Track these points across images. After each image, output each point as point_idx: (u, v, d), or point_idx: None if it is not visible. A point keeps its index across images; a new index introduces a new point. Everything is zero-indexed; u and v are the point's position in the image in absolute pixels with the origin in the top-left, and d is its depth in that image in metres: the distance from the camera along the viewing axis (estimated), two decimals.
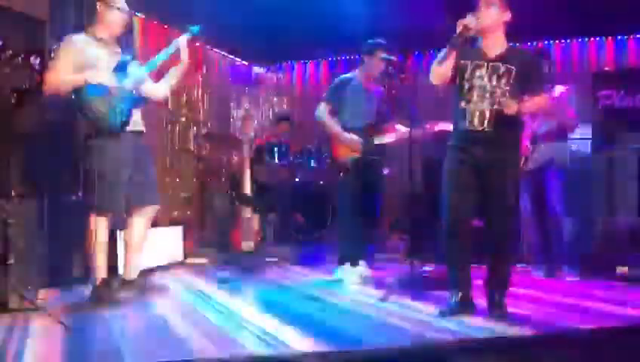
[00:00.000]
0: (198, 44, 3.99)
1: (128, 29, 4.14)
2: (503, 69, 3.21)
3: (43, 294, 3.71)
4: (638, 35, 6.28)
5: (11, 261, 3.30)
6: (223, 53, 7.28)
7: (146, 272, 4.52)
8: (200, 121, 6.84)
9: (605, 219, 5.13)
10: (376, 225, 4.74)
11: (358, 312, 3.46)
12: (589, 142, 5.22)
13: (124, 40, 4.01)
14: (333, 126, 4.43)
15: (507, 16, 3.24)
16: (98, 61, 3.52)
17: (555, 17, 5.49)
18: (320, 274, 4.85)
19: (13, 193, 3.44)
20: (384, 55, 4.32)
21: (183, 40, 3.82)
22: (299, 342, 2.71)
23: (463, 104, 3.28)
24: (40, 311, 3.24)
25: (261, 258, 5.31)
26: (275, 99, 7.93)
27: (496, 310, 3.24)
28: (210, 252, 5.76)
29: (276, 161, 6.02)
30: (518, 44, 3.44)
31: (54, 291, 3.86)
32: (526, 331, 2.96)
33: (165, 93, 3.98)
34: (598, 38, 6.43)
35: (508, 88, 3.20)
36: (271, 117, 7.75)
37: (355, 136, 4.38)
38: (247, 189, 5.40)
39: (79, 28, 4.00)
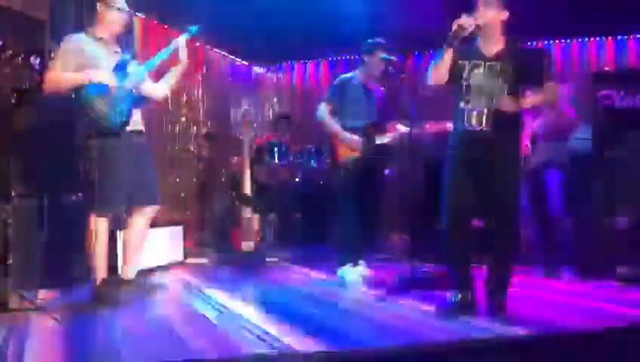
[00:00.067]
0: (197, 44, 3.99)
1: (128, 29, 4.14)
2: (499, 67, 3.21)
3: (43, 294, 3.70)
4: (638, 35, 6.29)
5: (11, 261, 3.30)
6: (223, 53, 7.28)
7: (146, 272, 4.52)
8: (200, 121, 6.84)
9: (605, 219, 5.13)
10: (377, 225, 4.74)
11: (358, 312, 3.46)
12: (589, 142, 5.21)
13: (124, 40, 4.01)
14: (334, 126, 4.43)
15: (504, 15, 3.24)
16: (98, 61, 3.52)
17: (555, 17, 5.49)
18: (320, 274, 4.85)
19: (13, 193, 3.45)
20: (384, 55, 4.32)
21: (182, 40, 3.82)
22: (299, 342, 2.71)
23: (461, 104, 3.28)
24: (40, 311, 3.24)
25: (261, 258, 5.31)
26: (275, 99, 7.93)
27: (496, 310, 3.24)
28: (210, 252, 5.76)
29: (276, 161, 6.02)
30: (518, 43, 3.43)
31: (54, 291, 3.86)
32: (526, 331, 2.96)
33: (165, 93, 3.98)
34: (598, 38, 6.44)
35: (506, 87, 3.19)
36: (271, 117, 7.75)
37: (355, 136, 4.38)
38: (247, 189, 5.40)
39: (79, 28, 4.00)
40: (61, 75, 3.44)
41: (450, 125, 3.53)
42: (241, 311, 3.40)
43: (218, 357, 2.52)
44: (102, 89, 3.44)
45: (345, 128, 4.40)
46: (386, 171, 4.95)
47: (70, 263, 4.07)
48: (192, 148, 6.68)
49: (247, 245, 5.24)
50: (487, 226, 3.34)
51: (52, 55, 3.69)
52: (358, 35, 4.58)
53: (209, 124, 6.98)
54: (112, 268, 3.91)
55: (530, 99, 3.23)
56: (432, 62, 3.32)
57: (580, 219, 5.03)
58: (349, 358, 2.58)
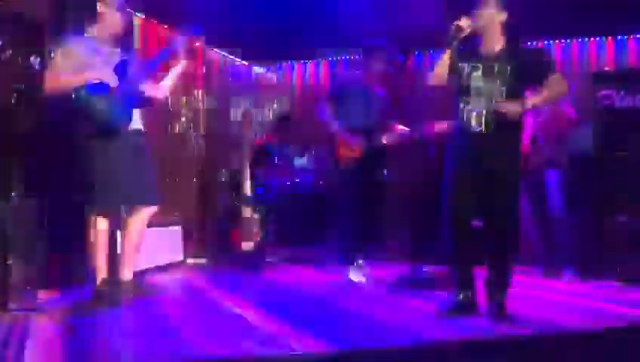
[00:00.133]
0: (197, 44, 3.99)
1: (128, 29, 4.13)
2: (498, 69, 3.21)
3: (43, 294, 3.71)
4: (638, 35, 6.28)
5: (11, 261, 3.30)
6: (223, 53, 7.27)
7: (146, 272, 4.52)
8: (200, 121, 6.83)
9: (605, 219, 5.13)
10: (377, 225, 4.74)
11: (358, 312, 3.46)
12: (589, 142, 5.22)
13: (124, 40, 4.01)
14: (335, 127, 4.42)
15: (503, 16, 3.24)
16: (98, 61, 3.52)
17: (555, 17, 5.49)
18: (320, 274, 4.85)
19: (13, 193, 3.44)
20: (384, 55, 4.32)
21: (182, 40, 3.82)
22: (299, 341, 2.71)
23: (461, 105, 3.28)
24: (40, 311, 3.24)
25: (261, 258, 5.31)
26: (275, 99, 7.92)
27: (496, 310, 3.24)
28: (210, 252, 5.76)
29: (276, 161, 6.03)
30: (518, 43, 3.42)
31: (54, 291, 3.86)
32: (526, 331, 2.96)
33: (165, 93, 3.98)
34: (598, 38, 6.43)
35: (504, 89, 3.19)
36: (271, 117, 7.75)
37: (356, 138, 4.37)
38: (247, 189, 5.40)
39: (79, 28, 4.00)
40: (62, 75, 3.44)
41: (450, 125, 3.53)
42: (241, 311, 3.41)
43: (218, 357, 2.52)
44: (102, 89, 3.44)
45: (346, 128, 4.40)
46: (386, 171, 4.94)
47: (70, 263, 4.07)
48: (192, 148, 6.67)
49: (247, 245, 5.24)
50: (487, 226, 3.34)
51: (52, 55, 3.69)
52: (359, 35, 4.58)
53: (209, 124, 6.97)
54: (112, 268, 3.91)
55: (532, 99, 3.21)
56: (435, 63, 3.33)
57: (580, 219, 5.03)
58: (349, 358, 2.58)
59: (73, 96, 3.48)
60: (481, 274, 3.36)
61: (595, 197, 5.18)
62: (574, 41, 6.51)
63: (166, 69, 3.92)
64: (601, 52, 6.41)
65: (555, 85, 3.22)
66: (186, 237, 5.59)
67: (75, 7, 4.51)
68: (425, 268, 4.38)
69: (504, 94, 3.19)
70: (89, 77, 3.43)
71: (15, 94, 3.48)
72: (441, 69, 3.27)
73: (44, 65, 3.80)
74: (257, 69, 7.96)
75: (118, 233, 4.03)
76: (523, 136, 3.57)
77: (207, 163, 6.81)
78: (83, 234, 3.64)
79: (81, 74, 3.44)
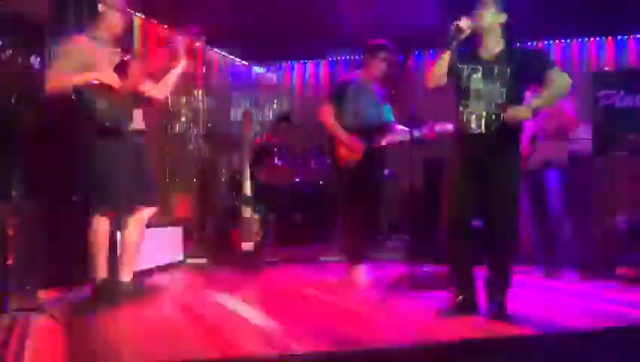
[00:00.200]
0: (198, 44, 3.99)
1: (128, 29, 4.14)
2: (497, 70, 3.20)
3: (43, 294, 3.71)
4: (638, 35, 6.29)
5: (11, 261, 3.30)
6: (223, 53, 7.28)
7: (146, 272, 4.52)
8: (200, 121, 6.84)
9: (605, 219, 5.13)
10: (377, 225, 4.74)
11: (359, 312, 3.46)
12: (589, 142, 5.22)
13: (124, 40, 4.01)
14: (336, 128, 4.41)
15: (503, 17, 3.23)
16: (99, 61, 3.52)
17: (555, 17, 5.49)
18: (320, 274, 4.85)
19: (13, 193, 3.44)
20: (385, 55, 4.32)
21: (182, 40, 3.82)
22: (299, 342, 2.71)
23: (461, 107, 3.28)
24: (40, 311, 3.24)
25: (261, 258, 5.31)
26: (275, 99, 7.93)
27: (496, 310, 3.24)
28: (210, 252, 5.76)
29: (276, 161, 6.03)
30: (518, 44, 3.42)
31: (54, 291, 3.87)
32: (526, 331, 2.96)
33: (165, 93, 3.98)
34: (598, 38, 6.43)
35: (504, 90, 3.19)
36: (271, 117, 7.75)
37: (356, 139, 4.36)
38: (247, 189, 5.40)
39: (79, 28, 4.00)
40: (63, 75, 3.45)
41: (450, 126, 3.53)
42: (241, 311, 3.41)
43: (218, 357, 2.52)
44: (102, 89, 3.44)
45: (346, 129, 4.39)
46: (387, 172, 4.94)
47: (70, 263, 4.07)
48: (192, 148, 6.67)
49: (247, 245, 5.24)
50: (487, 226, 3.34)
51: (52, 55, 3.69)
52: (359, 35, 4.58)
53: (209, 124, 6.98)
54: (112, 268, 3.91)
55: (537, 100, 3.18)
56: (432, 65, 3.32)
57: (580, 219, 5.03)
58: (349, 358, 2.57)
59: (74, 96, 3.48)
60: (481, 274, 3.36)
61: (595, 197, 5.19)
62: (574, 41, 6.51)
63: (166, 69, 3.92)
64: (601, 52, 6.42)
65: (557, 79, 3.17)
66: (186, 237, 5.59)
67: (75, 7, 4.51)
68: (425, 268, 4.38)
69: (504, 96, 3.18)
70: (90, 77, 3.43)
71: (15, 94, 3.47)
72: (439, 69, 3.26)
73: (44, 65, 3.80)
74: (257, 69, 7.97)
75: (118, 233, 4.04)
76: (523, 136, 3.57)
77: (207, 163, 6.82)
78: (83, 234, 3.63)
79: (81, 74, 3.44)
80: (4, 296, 3.28)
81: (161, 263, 5.03)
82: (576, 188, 4.90)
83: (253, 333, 2.88)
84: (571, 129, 4.77)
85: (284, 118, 6.74)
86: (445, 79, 3.28)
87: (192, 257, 5.60)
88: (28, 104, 3.62)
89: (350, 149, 4.36)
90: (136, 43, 5.56)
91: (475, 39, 3.26)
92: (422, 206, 5.32)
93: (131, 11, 3.93)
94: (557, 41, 6.56)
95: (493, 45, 3.25)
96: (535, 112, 3.22)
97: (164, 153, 6.21)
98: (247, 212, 5.32)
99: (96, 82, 3.43)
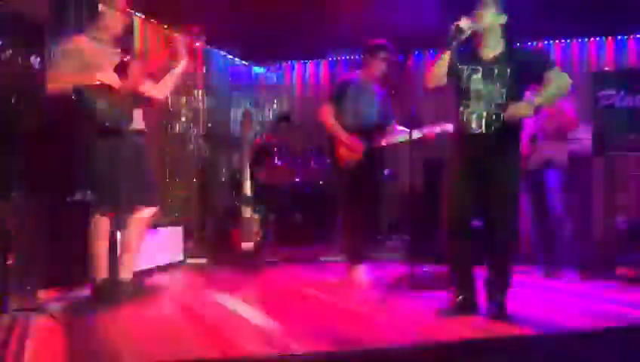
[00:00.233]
0: (197, 44, 3.99)
1: (128, 29, 4.14)
2: (497, 70, 3.20)
3: (43, 294, 3.71)
4: (638, 35, 6.28)
5: (11, 261, 3.30)
6: (222, 53, 7.28)
7: (146, 272, 4.52)
8: (200, 121, 6.84)
9: (605, 219, 5.13)
10: (377, 225, 4.74)
11: (358, 312, 3.46)
12: (589, 142, 5.22)
13: (124, 40, 4.01)
14: (336, 128, 4.41)
15: (503, 18, 3.23)
16: (99, 61, 3.52)
17: (555, 17, 5.49)
18: (320, 274, 4.85)
19: (13, 193, 3.44)
20: (385, 55, 4.32)
21: (182, 40, 3.82)
22: (299, 341, 2.71)
23: (461, 108, 3.28)
24: (40, 311, 3.24)
25: (261, 258, 5.31)
26: (275, 99, 7.93)
27: (496, 310, 3.24)
28: (210, 252, 5.76)
29: (276, 161, 6.03)
30: (518, 44, 3.41)
31: (54, 291, 3.86)
32: (526, 331, 2.96)
33: (165, 93, 3.98)
34: (598, 38, 6.43)
35: (504, 91, 3.19)
36: (271, 117, 7.75)
37: (357, 139, 4.36)
38: (247, 189, 5.40)
39: (79, 28, 4.00)
40: (64, 74, 3.45)
41: (450, 127, 3.53)
42: (242, 311, 3.41)
43: (218, 357, 2.52)
44: (102, 89, 3.44)
45: (346, 129, 4.39)
46: (387, 172, 4.94)
47: (70, 263, 4.07)
48: (192, 148, 6.67)
49: (247, 245, 5.24)
50: (487, 226, 3.34)
51: (52, 55, 3.69)
52: (359, 35, 4.58)
53: (209, 124, 6.98)
54: (112, 268, 3.91)
55: (537, 98, 3.18)
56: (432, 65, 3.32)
57: (580, 219, 5.03)
58: (349, 358, 2.58)
59: (74, 96, 3.48)
60: (481, 274, 3.36)
61: (595, 197, 5.19)
62: (574, 41, 6.51)
63: (166, 69, 3.92)
64: (601, 52, 6.42)
65: (557, 80, 3.18)
66: (186, 237, 5.59)
67: (75, 7, 4.51)
68: (425, 268, 4.38)
69: (504, 96, 3.18)
70: (91, 77, 3.43)
71: (15, 94, 3.48)
72: (439, 69, 3.26)
73: (44, 65, 3.80)
74: (257, 69, 7.97)
75: (118, 233, 4.04)
76: (523, 136, 3.57)
77: (207, 163, 6.82)
78: (83, 234, 3.63)
79: (81, 74, 3.44)
80: (4, 296, 3.28)
81: (161, 263, 5.03)
82: (576, 188, 4.90)
83: (253, 333, 2.88)
84: (571, 129, 4.77)
85: (284, 118, 6.74)
86: (445, 79, 3.28)
87: (192, 257, 5.60)
88: (28, 104, 3.62)
89: (350, 149, 4.35)
90: (137, 43, 5.56)
91: (474, 39, 3.26)
92: (422, 206, 5.32)
93: (131, 11, 3.92)
94: (557, 41, 6.55)
95: (494, 45, 3.25)
96: (536, 110, 3.21)
97: (164, 153, 6.21)
98: (247, 212, 5.32)
99: (97, 82, 3.43)
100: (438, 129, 4.22)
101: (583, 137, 5.12)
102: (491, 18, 3.20)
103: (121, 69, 3.55)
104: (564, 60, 6.44)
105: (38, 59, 3.73)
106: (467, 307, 3.28)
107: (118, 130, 3.49)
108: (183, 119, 6.56)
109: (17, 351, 2.58)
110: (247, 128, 5.59)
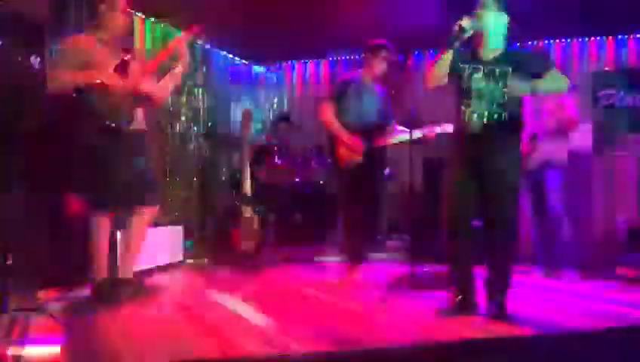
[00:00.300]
0: (197, 44, 3.99)
1: (128, 29, 4.14)
2: (498, 71, 3.21)
3: (43, 294, 3.71)
4: (638, 35, 6.28)
5: (11, 261, 3.30)
6: (223, 53, 7.28)
7: (146, 272, 4.52)
8: (200, 120, 6.84)
9: (605, 219, 5.13)
10: (377, 225, 4.74)
11: (359, 312, 3.46)
12: (589, 142, 5.22)
13: (124, 40, 4.01)
14: (336, 127, 4.41)
15: (503, 18, 3.24)
16: (99, 61, 3.52)
17: (555, 17, 5.49)
18: (320, 274, 4.85)
19: (13, 193, 3.44)
20: (386, 54, 4.32)
21: (182, 39, 3.82)
22: (299, 342, 2.71)
23: (462, 107, 3.28)
24: (40, 311, 3.24)
25: (261, 258, 5.31)
26: (275, 99, 7.92)
27: (496, 310, 3.24)
28: (210, 252, 5.76)
29: (276, 160, 6.03)
30: (519, 45, 3.42)
31: (54, 291, 3.86)
32: (526, 331, 2.96)
33: (165, 93, 3.98)
34: (598, 38, 6.43)
35: (506, 90, 3.19)
36: (271, 117, 7.75)
37: (357, 139, 4.36)
38: (247, 189, 5.40)
39: (79, 28, 4.00)
40: (65, 74, 3.45)
41: (450, 127, 3.53)
42: (242, 311, 3.41)
43: (218, 357, 2.52)
44: (103, 89, 3.44)
45: (346, 128, 4.39)
46: (387, 172, 4.94)
47: (70, 263, 4.07)
48: (192, 148, 6.67)
49: (247, 245, 5.24)
50: (487, 226, 3.34)
51: (53, 55, 3.70)
52: (359, 35, 4.58)
53: (209, 124, 6.98)
54: (112, 268, 3.91)
55: (534, 83, 3.17)
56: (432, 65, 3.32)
57: (580, 219, 5.03)
58: (349, 358, 2.58)
59: (74, 95, 3.49)
60: (481, 274, 3.36)
61: (595, 197, 5.19)
62: (574, 41, 6.51)
63: (166, 69, 3.91)
64: (601, 52, 6.42)
65: (555, 79, 3.22)
66: (186, 237, 5.59)
67: (75, 7, 4.51)
68: (425, 268, 4.38)
69: (505, 96, 3.19)
70: (92, 76, 3.43)
71: (15, 94, 3.48)
72: (440, 69, 3.26)
73: (44, 65, 3.80)
74: (257, 69, 7.96)
75: (118, 233, 4.04)
76: (523, 136, 3.57)
77: (208, 162, 6.81)
78: (83, 233, 3.63)
79: (82, 74, 3.44)
80: (4, 296, 3.28)
81: (161, 263, 5.03)
82: (576, 188, 4.90)
83: (253, 333, 2.88)
84: (571, 128, 4.76)
85: (284, 118, 6.74)
86: (445, 79, 3.29)
87: (192, 257, 5.60)
88: (28, 104, 3.62)
89: (351, 149, 4.35)
90: (137, 43, 5.56)
91: (475, 39, 3.26)
92: (422, 206, 5.32)
93: (131, 11, 3.92)
94: (557, 41, 6.55)
95: (494, 45, 3.26)
96: (536, 110, 3.22)
97: (164, 153, 6.20)
98: (247, 212, 5.32)
99: (97, 82, 3.43)
100: (438, 129, 4.22)
101: (583, 137, 5.13)
102: (492, 18, 3.20)
103: (121, 69, 3.55)
104: (564, 60, 6.45)
105: (38, 59, 3.73)
106: (467, 307, 3.28)
107: (119, 130, 3.49)
108: (183, 118, 6.55)
109: (17, 351, 2.58)
110: (247, 128, 5.59)
